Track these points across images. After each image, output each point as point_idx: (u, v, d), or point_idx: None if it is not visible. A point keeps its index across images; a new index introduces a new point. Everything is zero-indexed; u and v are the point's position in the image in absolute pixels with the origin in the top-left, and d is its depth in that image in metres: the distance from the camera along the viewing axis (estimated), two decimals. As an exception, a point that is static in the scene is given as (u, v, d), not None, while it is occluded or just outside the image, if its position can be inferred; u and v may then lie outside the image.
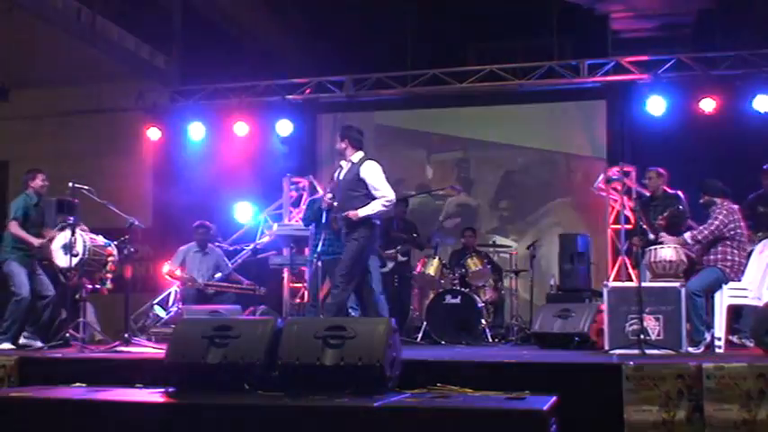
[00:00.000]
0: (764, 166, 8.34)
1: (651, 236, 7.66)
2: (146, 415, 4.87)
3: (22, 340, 7.71)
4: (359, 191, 6.88)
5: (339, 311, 6.83)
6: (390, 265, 9.65)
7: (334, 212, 6.99)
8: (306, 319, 8.22)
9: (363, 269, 6.99)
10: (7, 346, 7.59)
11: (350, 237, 6.87)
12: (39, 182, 8.04)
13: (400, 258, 9.79)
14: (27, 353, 7.12)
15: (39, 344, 7.70)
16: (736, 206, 7.30)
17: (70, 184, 7.69)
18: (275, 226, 10.15)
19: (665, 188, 8.33)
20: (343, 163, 7.11)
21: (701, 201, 7.33)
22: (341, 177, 7.05)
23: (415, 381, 5.36)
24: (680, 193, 8.23)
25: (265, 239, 10.40)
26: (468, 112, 12.19)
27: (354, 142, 7.07)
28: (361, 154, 7.03)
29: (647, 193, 8.56)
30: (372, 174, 6.90)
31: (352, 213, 6.79)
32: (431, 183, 12.49)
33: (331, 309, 6.86)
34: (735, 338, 7.49)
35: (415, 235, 10.28)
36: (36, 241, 7.79)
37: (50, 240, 7.79)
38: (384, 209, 6.88)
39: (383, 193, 6.84)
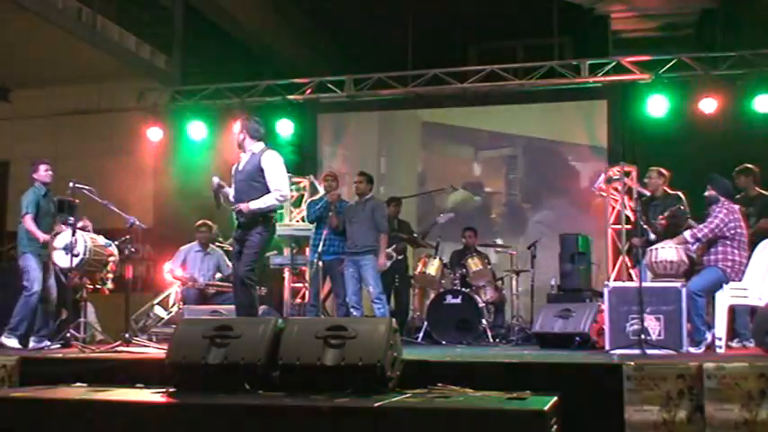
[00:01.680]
0: (736, 169, 8.30)
1: (652, 236, 7.66)
2: (146, 415, 4.87)
3: (31, 344, 7.68)
4: (259, 181, 6.79)
5: (252, 309, 6.73)
6: (387, 263, 9.63)
7: (234, 205, 6.85)
8: (306, 319, 8.24)
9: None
10: (14, 343, 7.57)
11: (252, 231, 6.75)
12: (42, 172, 7.99)
13: (396, 257, 9.78)
14: (28, 353, 7.10)
15: (46, 343, 7.68)
16: (736, 206, 7.29)
17: (71, 184, 7.68)
18: (276, 226, 10.14)
19: (666, 188, 8.33)
20: (242, 155, 6.99)
21: (706, 194, 7.30)
22: (239, 168, 6.95)
23: (416, 381, 5.35)
24: (680, 193, 8.23)
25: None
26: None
27: (253, 132, 6.96)
28: (261, 145, 6.95)
29: (648, 193, 8.56)
30: (272, 165, 6.81)
31: (243, 206, 6.70)
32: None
33: (244, 308, 6.73)
34: (735, 343, 7.48)
35: (416, 235, 10.29)
36: (42, 237, 7.77)
37: (56, 236, 7.79)
38: (277, 203, 6.80)
39: (277, 186, 6.75)
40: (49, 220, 7.95)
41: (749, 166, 8.24)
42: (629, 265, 9.25)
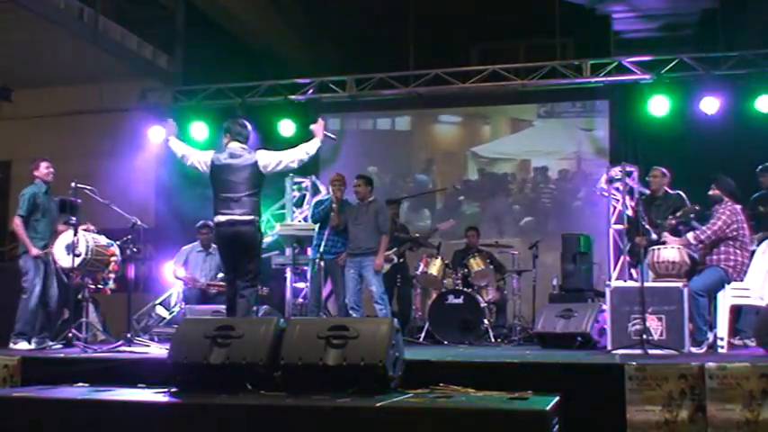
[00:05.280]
0: (759, 167, 8.31)
1: (654, 236, 7.66)
2: (148, 415, 4.88)
3: (33, 344, 7.68)
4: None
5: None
6: (387, 266, 9.60)
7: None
8: (308, 319, 8.24)
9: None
10: (25, 346, 7.56)
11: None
12: (43, 170, 7.98)
13: (397, 260, 9.75)
14: (30, 353, 7.11)
15: (48, 344, 7.69)
16: (739, 207, 7.29)
17: (72, 184, 7.68)
18: (278, 226, 10.15)
19: (666, 188, 8.34)
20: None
21: (710, 193, 7.30)
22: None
23: (418, 381, 5.35)
24: (681, 192, 8.24)
25: (268, 239, 10.39)
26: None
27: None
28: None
29: (648, 192, 8.57)
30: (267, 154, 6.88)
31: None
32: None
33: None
34: (737, 340, 7.48)
35: (417, 235, 10.28)
36: (35, 251, 7.75)
37: (57, 236, 7.80)
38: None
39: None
40: (50, 219, 7.95)
41: None
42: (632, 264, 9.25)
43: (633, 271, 8.86)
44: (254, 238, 6.81)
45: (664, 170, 8.38)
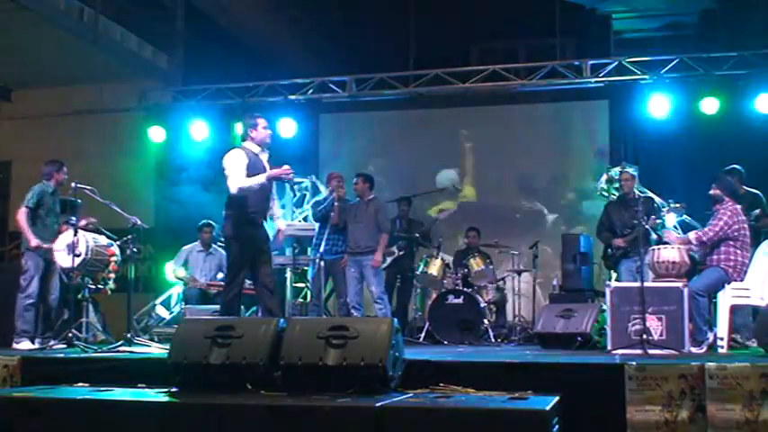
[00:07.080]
0: (723, 170, 8.31)
1: (654, 236, 7.67)
2: (148, 415, 4.87)
3: (35, 344, 7.68)
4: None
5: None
6: (388, 260, 9.56)
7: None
8: (308, 319, 8.24)
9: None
10: (27, 345, 7.57)
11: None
12: (62, 175, 8.05)
13: (398, 253, 9.72)
14: (30, 353, 7.11)
15: (51, 343, 7.69)
16: (739, 207, 7.29)
17: (73, 185, 7.68)
18: (278, 226, 10.13)
19: (635, 190, 8.42)
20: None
21: (711, 192, 7.31)
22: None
23: (418, 381, 5.35)
24: (651, 195, 8.30)
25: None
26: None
27: None
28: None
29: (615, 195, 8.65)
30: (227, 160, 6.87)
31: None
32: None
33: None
34: (738, 337, 7.49)
35: (417, 235, 10.26)
36: (34, 241, 7.76)
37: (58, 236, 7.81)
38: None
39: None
40: (54, 219, 7.97)
41: (735, 166, 8.24)
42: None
43: (611, 273, 8.88)
44: (222, 232, 7.10)
45: (632, 172, 8.44)
